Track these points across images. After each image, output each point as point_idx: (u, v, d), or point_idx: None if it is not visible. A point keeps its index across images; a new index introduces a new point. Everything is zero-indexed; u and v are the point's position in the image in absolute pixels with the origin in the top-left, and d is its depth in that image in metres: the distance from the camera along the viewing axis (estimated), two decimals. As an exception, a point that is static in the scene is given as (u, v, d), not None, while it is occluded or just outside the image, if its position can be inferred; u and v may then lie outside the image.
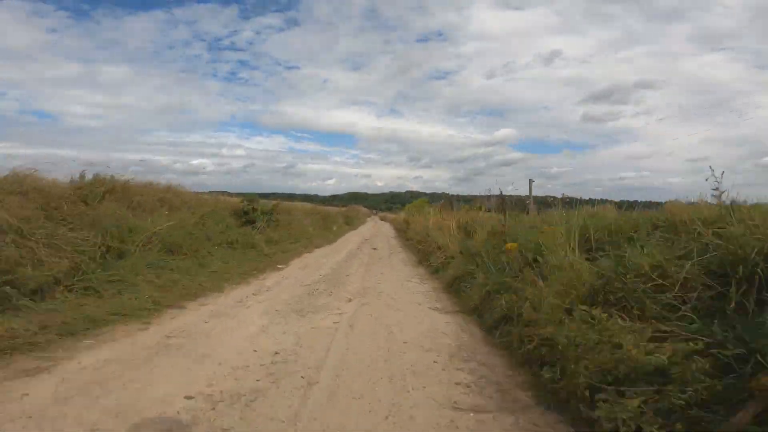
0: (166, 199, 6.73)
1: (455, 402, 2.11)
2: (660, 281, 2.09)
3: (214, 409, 1.96)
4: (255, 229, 8.33)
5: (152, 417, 1.86)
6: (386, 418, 1.94)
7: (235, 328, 3.27)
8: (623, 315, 2.04)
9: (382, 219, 39.44)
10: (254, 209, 8.85)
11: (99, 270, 3.87)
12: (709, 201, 2.65)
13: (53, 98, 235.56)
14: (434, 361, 2.68)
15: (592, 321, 2.05)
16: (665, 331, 1.86)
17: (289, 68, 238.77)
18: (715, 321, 1.78)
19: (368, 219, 36.99)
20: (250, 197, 9.61)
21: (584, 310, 2.13)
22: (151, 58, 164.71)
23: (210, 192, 10.50)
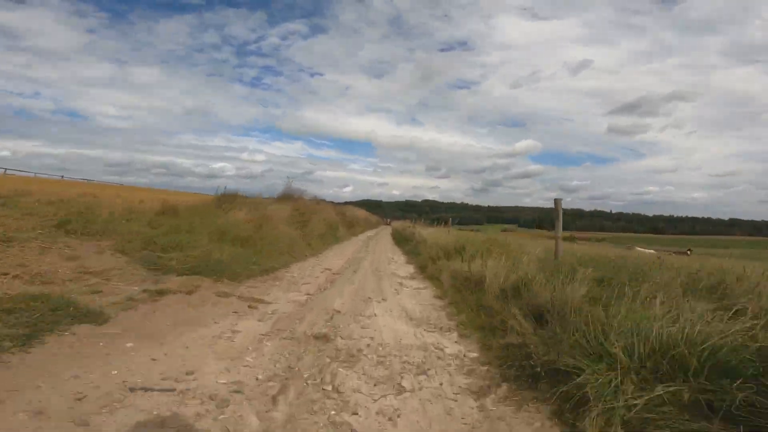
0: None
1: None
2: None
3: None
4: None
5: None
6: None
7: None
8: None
9: (397, 241, 17.68)
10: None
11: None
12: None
13: (87, 99, 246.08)
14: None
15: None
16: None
17: (313, 75, 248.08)
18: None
19: (347, 242, 16.17)
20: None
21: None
22: (180, 61, 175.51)
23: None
